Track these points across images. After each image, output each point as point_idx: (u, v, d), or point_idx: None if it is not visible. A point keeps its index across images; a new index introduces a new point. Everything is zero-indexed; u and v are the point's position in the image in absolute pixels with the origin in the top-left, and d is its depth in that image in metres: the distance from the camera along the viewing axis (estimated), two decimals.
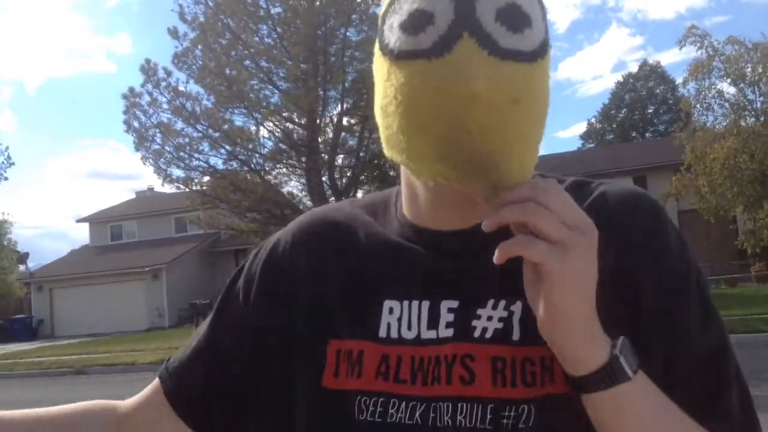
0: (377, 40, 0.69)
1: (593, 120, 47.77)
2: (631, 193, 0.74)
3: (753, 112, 17.33)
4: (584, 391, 0.63)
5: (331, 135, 17.19)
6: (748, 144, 16.07)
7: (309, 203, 18.16)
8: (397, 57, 0.63)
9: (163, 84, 15.42)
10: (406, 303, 0.74)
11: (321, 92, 15.63)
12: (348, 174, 18.03)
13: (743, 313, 13.09)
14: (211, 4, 15.44)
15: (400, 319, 0.74)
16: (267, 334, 0.81)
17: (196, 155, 16.24)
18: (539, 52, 0.62)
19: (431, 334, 0.72)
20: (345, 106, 16.82)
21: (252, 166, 16.62)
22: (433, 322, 0.73)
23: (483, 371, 0.68)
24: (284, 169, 17.91)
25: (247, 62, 15.90)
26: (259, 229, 17.75)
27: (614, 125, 46.32)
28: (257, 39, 15.86)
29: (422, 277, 0.75)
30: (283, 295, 0.81)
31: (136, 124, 15.88)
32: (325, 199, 16.74)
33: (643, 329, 0.68)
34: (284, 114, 16.61)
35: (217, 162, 16.62)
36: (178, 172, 16.58)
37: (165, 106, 15.69)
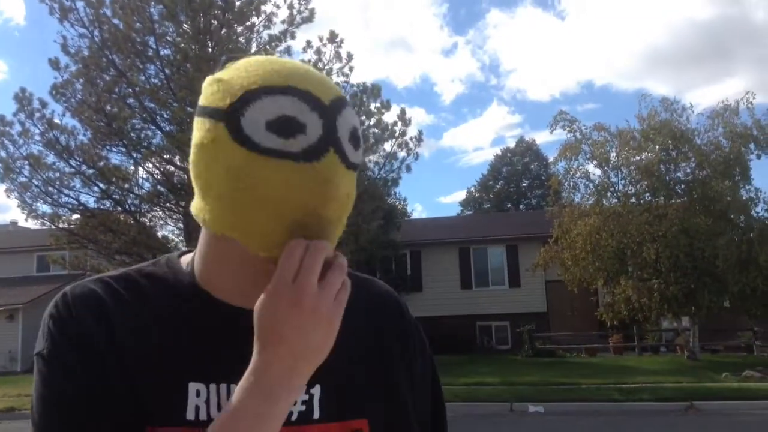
0: (222, 127, 0.75)
1: (472, 189, 49.90)
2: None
3: (615, 194, 18.70)
4: None
5: None
6: (609, 223, 17.26)
7: (184, 248, 17.64)
8: (262, 152, 0.73)
9: (37, 115, 14.66)
10: (213, 386, 0.79)
11: None
12: None
13: (600, 382, 13.80)
14: (97, 39, 15.00)
15: (208, 402, 0.78)
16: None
17: (66, 191, 15.40)
18: (358, 165, 0.81)
19: None
20: None
21: (126, 206, 15.97)
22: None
23: None
24: (161, 212, 17.35)
25: (131, 100, 15.46)
26: None
27: (491, 195, 48.57)
28: (143, 78, 15.51)
29: (226, 357, 0.80)
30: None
31: (3, 153, 14.92)
32: None
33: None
34: (166, 156, 16.18)
35: (89, 200, 15.83)
36: (45, 208, 15.66)
37: (37, 137, 14.88)
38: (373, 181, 19.07)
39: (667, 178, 17.56)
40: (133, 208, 16.13)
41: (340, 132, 0.76)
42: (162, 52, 15.27)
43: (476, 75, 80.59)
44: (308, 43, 15.96)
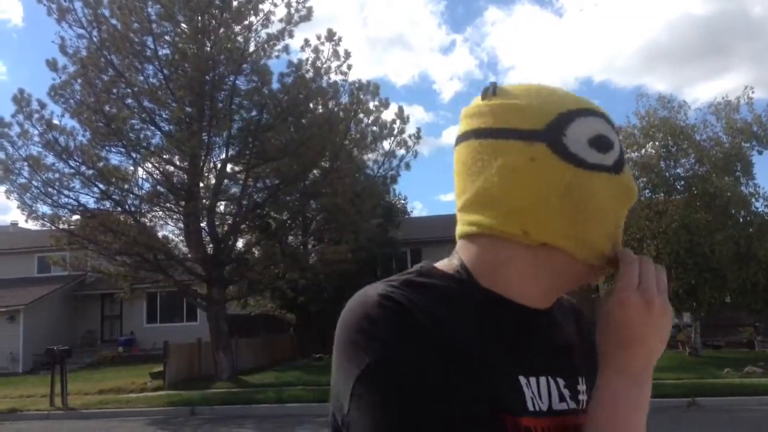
0: (545, 147, 0.82)
1: None
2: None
3: None
4: None
5: (213, 181, 16.89)
6: None
7: (185, 249, 17.62)
8: (589, 167, 0.81)
9: (36, 116, 14.65)
10: (533, 379, 0.82)
11: (205, 137, 15.37)
12: (228, 221, 17.69)
13: None
14: (95, 39, 15.00)
15: (533, 394, 0.81)
16: None
17: (66, 192, 15.43)
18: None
19: (563, 406, 0.83)
20: (230, 152, 16.64)
21: (126, 207, 15.97)
22: (562, 396, 0.84)
23: None
24: (161, 213, 17.35)
25: (129, 101, 15.47)
26: (128, 273, 16.97)
27: None
28: (142, 78, 15.51)
29: (540, 352, 0.85)
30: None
31: (2, 155, 14.94)
32: (202, 245, 16.32)
33: None
34: (165, 156, 16.19)
35: (89, 201, 15.86)
36: (44, 209, 15.67)
37: (36, 138, 14.88)
38: (372, 179, 19.10)
39: (667, 174, 17.56)
40: (133, 209, 16.14)
41: (617, 148, 0.85)
42: (160, 52, 15.30)
43: (475, 72, 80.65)
44: (306, 41, 15.97)
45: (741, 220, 17.08)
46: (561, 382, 0.84)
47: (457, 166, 0.88)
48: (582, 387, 0.87)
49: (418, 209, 79.77)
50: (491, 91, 0.87)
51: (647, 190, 17.85)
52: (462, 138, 0.88)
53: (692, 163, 17.32)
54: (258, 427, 10.91)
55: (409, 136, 19.39)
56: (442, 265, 0.88)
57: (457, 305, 0.81)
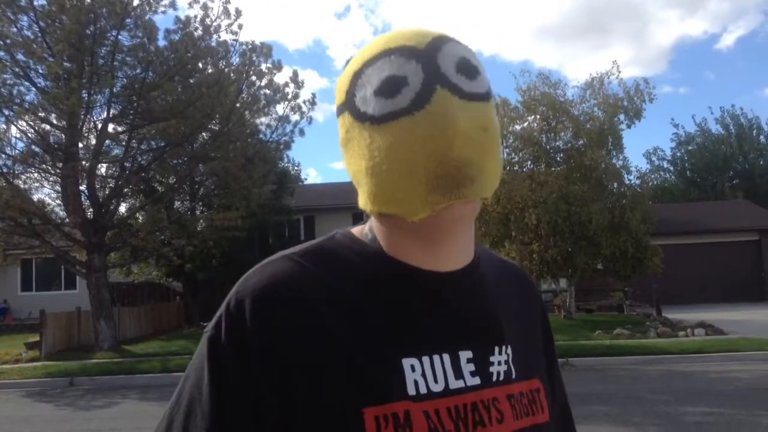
0: (348, 115, 0.79)
1: None
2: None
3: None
4: None
5: (93, 141, 16.02)
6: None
7: (62, 213, 16.70)
8: (379, 121, 0.74)
9: None
10: (426, 359, 0.77)
11: (85, 95, 14.51)
12: (110, 185, 16.88)
13: None
14: None
15: (424, 375, 0.76)
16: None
17: None
18: (490, 94, 0.79)
19: (459, 384, 0.78)
20: (112, 112, 15.82)
21: None
22: (458, 373, 0.78)
23: (506, 409, 0.80)
24: (36, 174, 16.31)
25: (1, 53, 14.34)
26: (0, 238, 15.96)
27: None
28: (15, 30, 14.38)
29: (431, 329, 0.79)
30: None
31: None
32: (81, 209, 15.51)
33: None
34: (41, 114, 15.17)
35: None
36: None
37: None
38: (265, 144, 18.77)
39: (548, 147, 18.34)
40: (5, 170, 15.08)
41: (444, 68, 0.75)
42: (36, 2, 14.20)
43: (369, 40, 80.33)
44: None
45: (615, 191, 18.16)
46: (466, 355, 0.80)
47: None
48: (499, 357, 0.82)
49: (312, 176, 79.29)
50: (344, 66, 0.87)
51: (529, 162, 18.61)
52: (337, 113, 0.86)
53: (570, 136, 18.19)
54: (142, 397, 10.64)
55: (304, 102, 19.16)
56: (357, 230, 0.88)
57: (353, 279, 0.80)
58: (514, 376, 0.83)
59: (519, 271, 0.99)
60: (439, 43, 0.77)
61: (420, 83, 0.73)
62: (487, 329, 0.83)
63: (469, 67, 0.77)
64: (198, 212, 20.57)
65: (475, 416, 0.77)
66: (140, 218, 18.27)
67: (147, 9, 15.21)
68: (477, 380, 0.79)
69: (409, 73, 0.74)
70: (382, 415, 0.72)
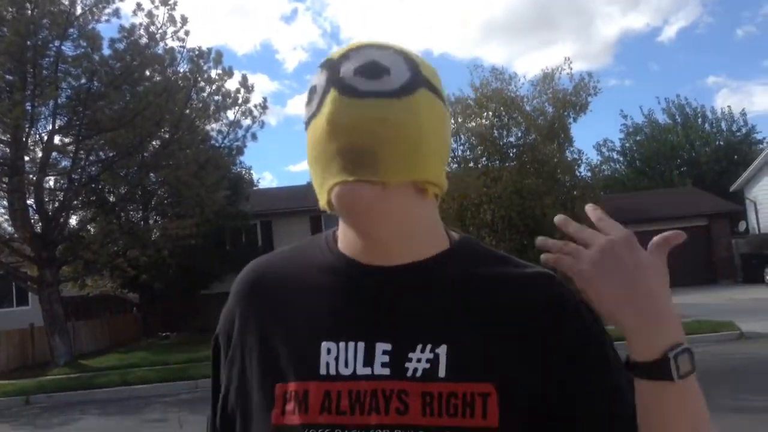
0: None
1: None
2: None
3: (455, 159, 19.50)
4: (636, 375, 0.78)
5: (39, 154, 15.63)
6: (450, 187, 18.01)
7: (10, 228, 16.28)
8: (305, 126, 0.85)
9: None
10: (342, 344, 0.85)
11: (29, 107, 14.18)
12: (59, 197, 16.50)
13: None
14: None
15: (337, 358, 0.84)
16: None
17: None
18: (403, 90, 0.82)
19: (366, 371, 0.83)
20: (58, 123, 15.47)
21: None
22: (368, 361, 0.83)
23: (415, 404, 0.81)
24: None
25: None
26: None
27: None
28: None
29: (356, 319, 0.86)
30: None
31: None
32: (30, 224, 15.15)
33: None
34: None
35: None
36: None
37: None
38: (217, 151, 18.56)
39: (501, 143, 18.57)
40: None
41: (342, 72, 0.82)
42: None
43: (318, 42, 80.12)
44: (138, 5, 15.06)
45: (567, 184, 18.49)
46: (383, 347, 0.83)
47: None
48: (420, 355, 0.83)
49: (268, 180, 78.76)
50: None
51: (484, 158, 18.82)
52: None
53: (523, 131, 18.46)
54: (103, 412, 10.46)
55: (255, 106, 18.96)
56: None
57: (312, 269, 0.92)
58: (441, 375, 0.82)
59: (545, 295, 0.94)
60: (356, 51, 0.85)
61: (322, 89, 0.83)
62: (414, 326, 0.84)
63: (374, 69, 0.82)
64: (151, 222, 20.25)
65: (372, 403, 0.81)
66: (92, 230, 17.90)
67: (90, 18, 14.92)
68: (386, 371, 0.82)
69: (318, 82, 0.84)
70: (287, 391, 0.84)
